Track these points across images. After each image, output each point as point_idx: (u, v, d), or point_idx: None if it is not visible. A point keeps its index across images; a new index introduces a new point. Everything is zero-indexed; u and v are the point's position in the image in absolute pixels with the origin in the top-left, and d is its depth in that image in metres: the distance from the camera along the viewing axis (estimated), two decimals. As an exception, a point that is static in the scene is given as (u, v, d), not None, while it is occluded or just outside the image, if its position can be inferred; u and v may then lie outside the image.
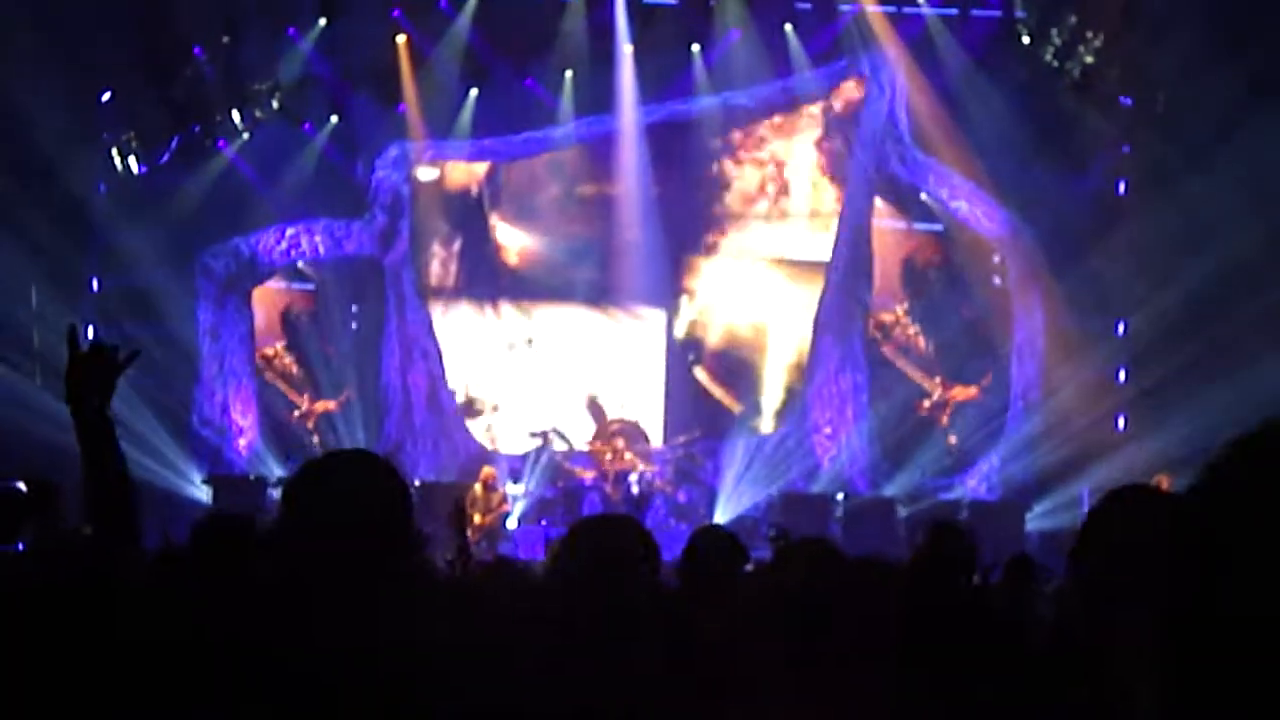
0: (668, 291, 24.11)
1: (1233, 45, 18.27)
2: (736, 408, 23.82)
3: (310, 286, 23.90)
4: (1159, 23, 19.41)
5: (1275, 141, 17.66)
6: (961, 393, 23.35)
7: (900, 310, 23.81)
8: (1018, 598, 8.25)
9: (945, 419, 23.28)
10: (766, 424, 23.79)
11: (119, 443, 3.95)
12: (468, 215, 24.39)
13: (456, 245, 24.37)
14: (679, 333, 24.24)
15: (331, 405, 23.25)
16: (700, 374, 24.04)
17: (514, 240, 24.35)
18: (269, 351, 23.56)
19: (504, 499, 20.30)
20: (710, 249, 24.33)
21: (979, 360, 23.30)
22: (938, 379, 23.45)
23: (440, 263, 24.29)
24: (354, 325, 23.80)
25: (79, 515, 4.07)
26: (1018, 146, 21.59)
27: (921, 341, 23.69)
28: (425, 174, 23.83)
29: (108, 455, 3.92)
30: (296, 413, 23.35)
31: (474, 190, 24.39)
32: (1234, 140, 18.38)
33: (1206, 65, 18.59)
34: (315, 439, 23.02)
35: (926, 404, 23.42)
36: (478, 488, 19.56)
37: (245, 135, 22.26)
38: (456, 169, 24.30)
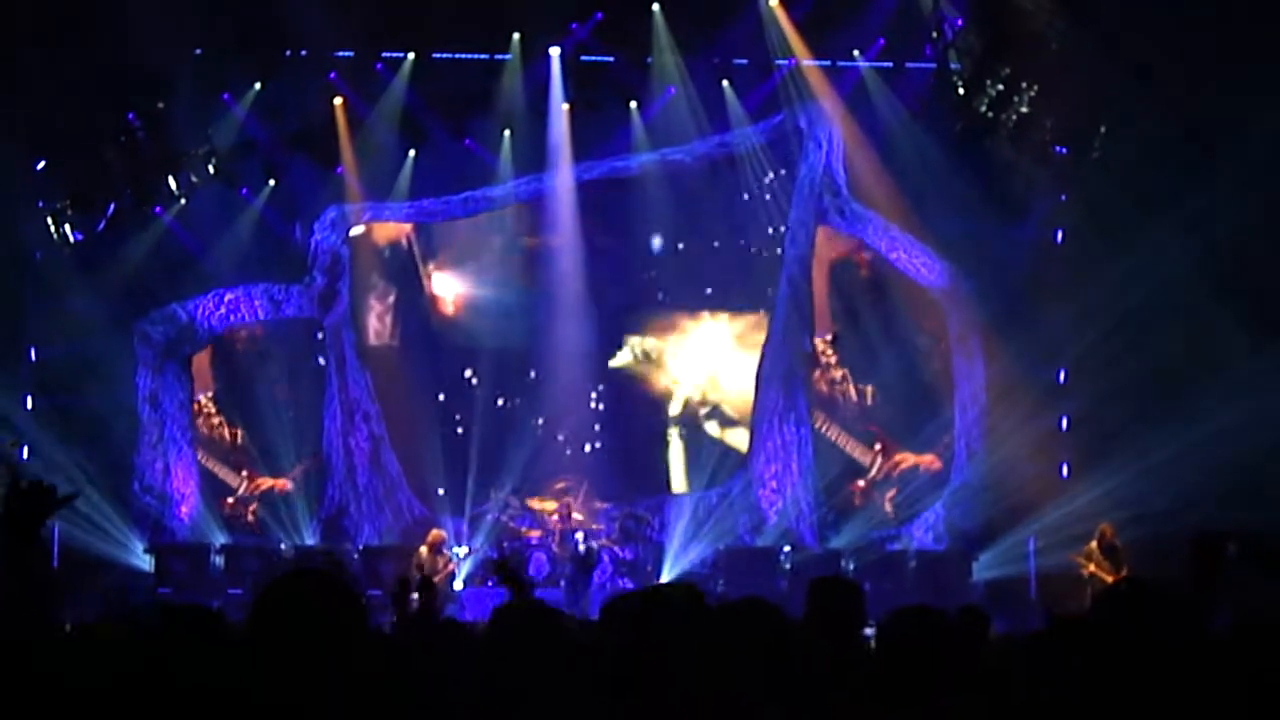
0: (611, 347, 24.10)
1: (1165, 91, 18.44)
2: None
3: (249, 352, 23.68)
4: (1092, 72, 19.57)
5: (1212, 187, 17.82)
6: (908, 459, 23.22)
7: (826, 339, 23.70)
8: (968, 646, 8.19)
9: (889, 499, 23.13)
10: (712, 478, 23.73)
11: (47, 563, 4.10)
12: (400, 268, 24.34)
13: (391, 299, 24.28)
14: (623, 389, 24.19)
15: (286, 484, 22.99)
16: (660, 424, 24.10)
17: (450, 290, 24.28)
18: (204, 426, 23.23)
19: (450, 560, 20.21)
20: (652, 303, 24.34)
21: (922, 416, 23.20)
22: (877, 446, 23.36)
23: (377, 317, 24.17)
24: (295, 390, 23.55)
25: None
26: (955, 197, 21.71)
27: (853, 390, 23.65)
28: (355, 229, 23.66)
29: (32, 569, 4.05)
30: (231, 499, 22.99)
31: (404, 242, 24.34)
32: (1171, 186, 18.51)
33: (1140, 112, 18.77)
34: (251, 518, 22.79)
35: (862, 484, 23.28)
36: (424, 550, 19.44)
37: (182, 201, 22.03)
38: (386, 223, 24.25)
